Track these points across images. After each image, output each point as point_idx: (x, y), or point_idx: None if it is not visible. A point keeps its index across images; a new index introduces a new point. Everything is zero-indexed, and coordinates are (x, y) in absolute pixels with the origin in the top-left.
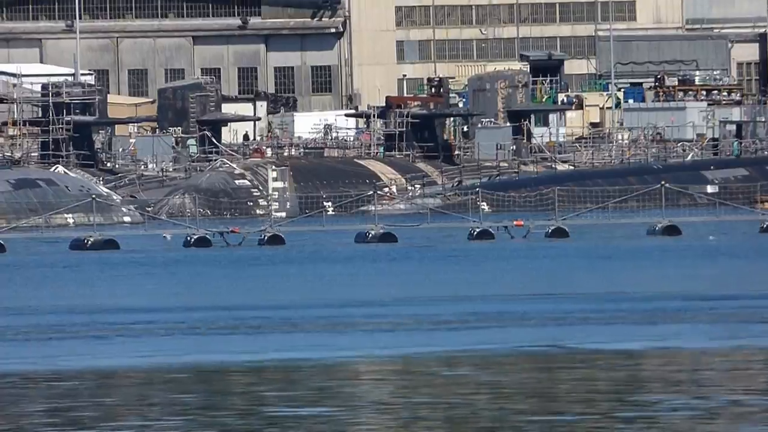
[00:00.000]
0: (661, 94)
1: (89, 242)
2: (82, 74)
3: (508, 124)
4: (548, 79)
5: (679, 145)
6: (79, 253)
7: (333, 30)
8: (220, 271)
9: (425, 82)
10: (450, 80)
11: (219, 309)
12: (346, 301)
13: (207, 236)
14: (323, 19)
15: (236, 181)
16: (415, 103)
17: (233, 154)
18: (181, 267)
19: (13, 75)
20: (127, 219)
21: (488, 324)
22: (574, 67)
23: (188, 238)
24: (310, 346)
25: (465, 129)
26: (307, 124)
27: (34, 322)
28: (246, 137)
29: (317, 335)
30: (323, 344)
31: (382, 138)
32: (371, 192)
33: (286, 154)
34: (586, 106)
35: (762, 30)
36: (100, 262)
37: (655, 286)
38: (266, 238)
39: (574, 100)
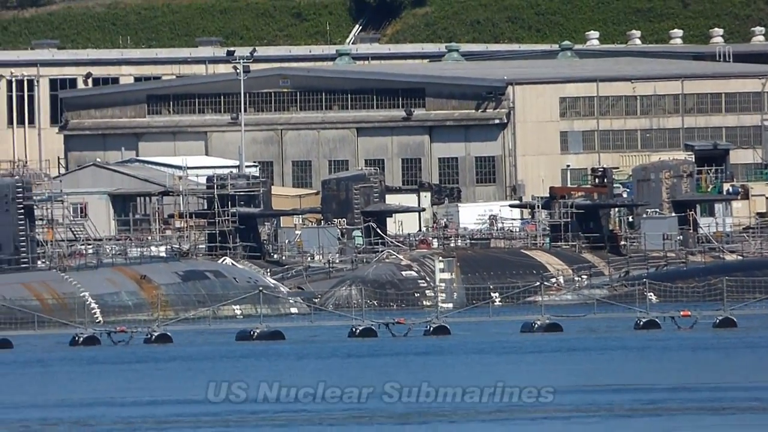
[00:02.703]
0: None
1: (255, 333)
2: (247, 166)
3: (674, 214)
4: (713, 168)
5: None
6: (245, 344)
7: (497, 121)
8: (384, 360)
9: (589, 172)
10: (614, 170)
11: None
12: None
13: (372, 327)
14: (487, 110)
15: (403, 273)
16: (580, 194)
17: (399, 245)
18: (347, 358)
19: (179, 168)
20: (293, 310)
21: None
22: (740, 156)
23: (353, 329)
24: None
25: (630, 219)
26: (471, 214)
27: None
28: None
29: (477, 425)
30: None
31: (548, 228)
32: (538, 282)
33: (452, 245)
34: (752, 195)
35: None
36: (265, 354)
37: None
38: (432, 328)
39: (740, 189)
